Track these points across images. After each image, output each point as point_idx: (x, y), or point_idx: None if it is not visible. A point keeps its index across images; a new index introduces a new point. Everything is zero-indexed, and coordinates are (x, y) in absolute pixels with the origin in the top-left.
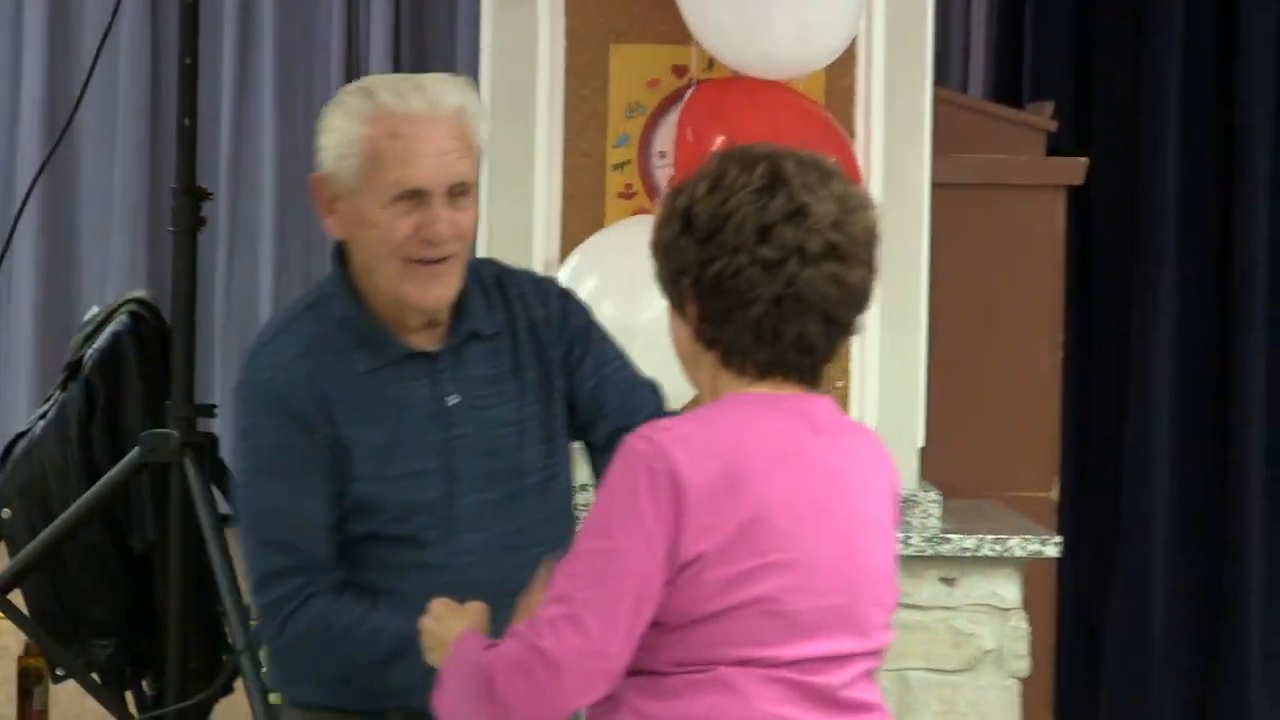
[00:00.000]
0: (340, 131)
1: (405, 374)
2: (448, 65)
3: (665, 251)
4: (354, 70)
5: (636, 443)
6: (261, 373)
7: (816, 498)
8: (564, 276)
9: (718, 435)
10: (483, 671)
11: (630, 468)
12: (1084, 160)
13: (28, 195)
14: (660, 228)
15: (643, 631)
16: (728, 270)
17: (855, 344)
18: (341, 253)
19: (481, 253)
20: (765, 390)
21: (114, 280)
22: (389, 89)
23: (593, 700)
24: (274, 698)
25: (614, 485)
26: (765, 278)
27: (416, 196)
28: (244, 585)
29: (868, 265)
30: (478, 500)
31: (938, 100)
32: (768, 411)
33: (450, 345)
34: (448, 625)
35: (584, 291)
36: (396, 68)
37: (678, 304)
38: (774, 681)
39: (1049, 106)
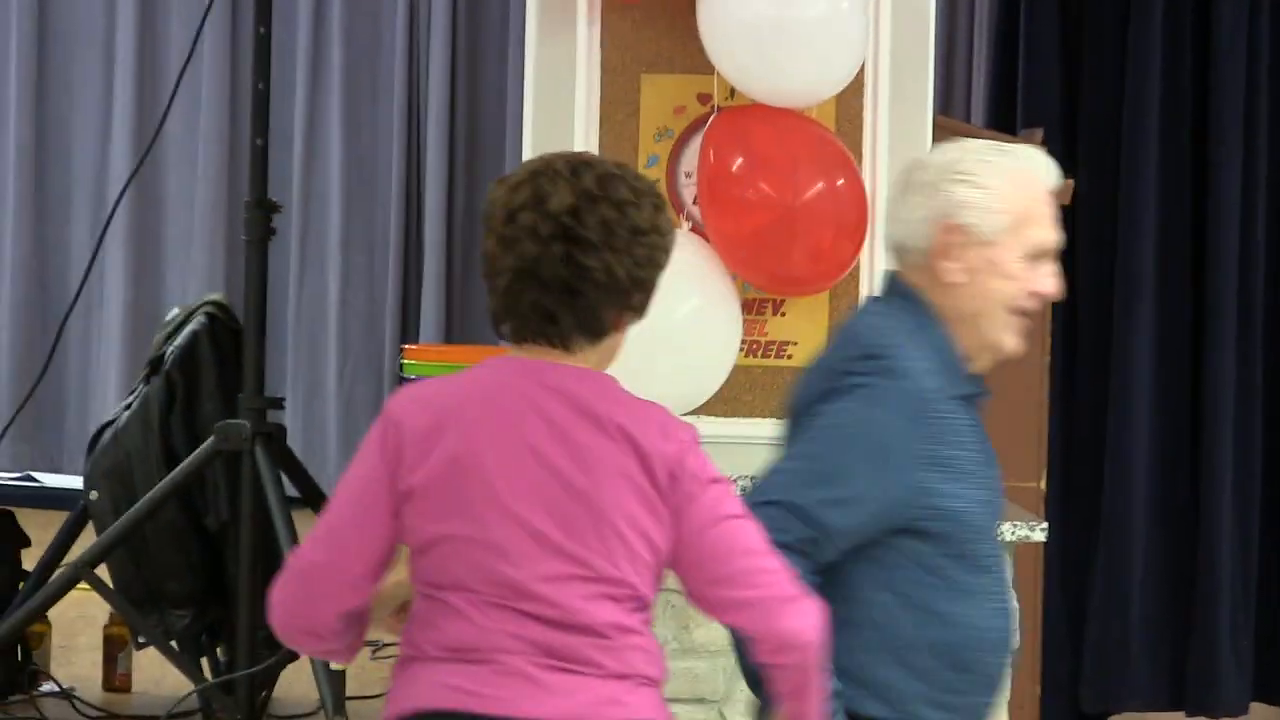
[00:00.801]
0: (994, 191)
1: (970, 408)
2: (499, 92)
3: None
4: (414, 99)
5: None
6: (910, 378)
7: (530, 444)
8: None
9: (444, 390)
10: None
11: (377, 419)
12: (1069, 182)
13: (115, 206)
14: None
15: (382, 551)
16: (484, 248)
17: None
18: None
19: None
20: (520, 354)
21: (194, 285)
22: (1037, 160)
23: (347, 607)
24: (336, 665)
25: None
26: (505, 253)
27: (1045, 256)
28: None
29: (615, 253)
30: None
31: (937, 126)
32: (504, 371)
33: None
34: None
35: None
36: (452, 97)
37: None
38: (491, 605)
39: (1039, 133)
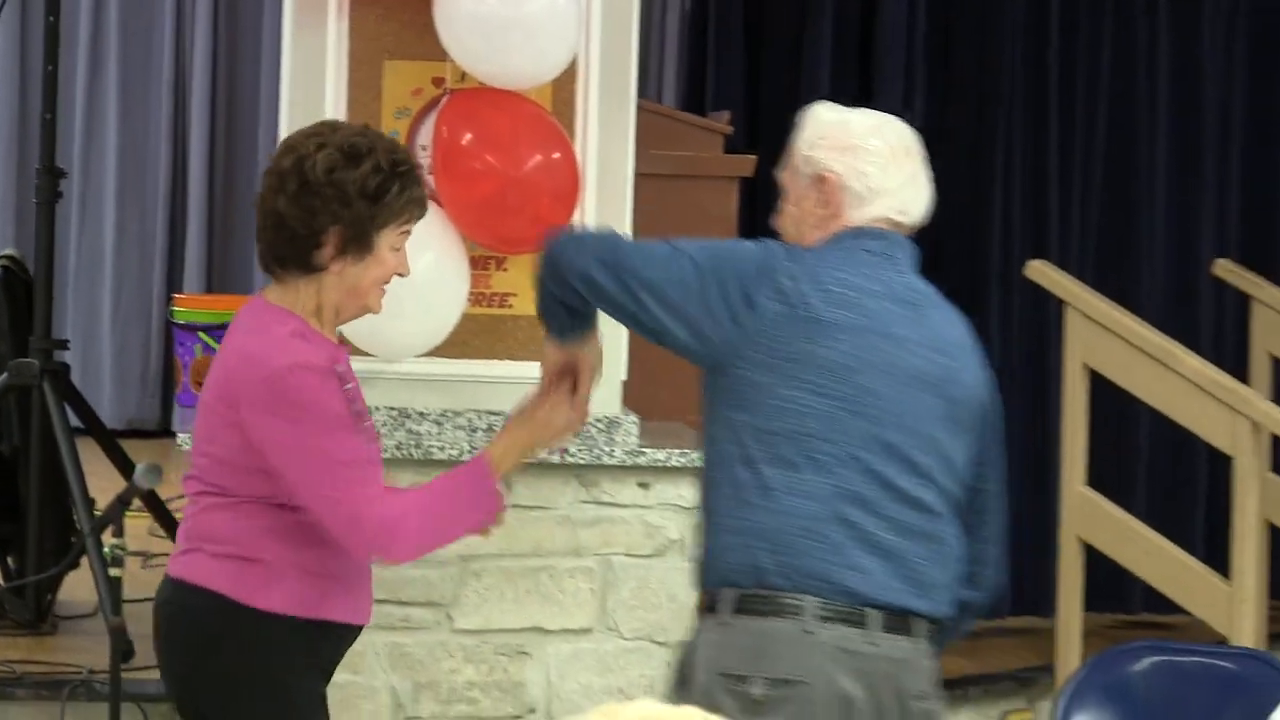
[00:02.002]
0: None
1: None
2: (254, 74)
3: None
4: (180, 80)
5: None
6: None
7: None
8: None
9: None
10: None
11: (315, 374)
12: (753, 157)
13: None
14: None
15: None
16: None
17: None
18: None
19: None
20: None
21: None
22: None
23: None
24: (114, 572)
25: None
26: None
27: None
28: (89, 483)
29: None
30: None
31: (639, 109)
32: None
33: None
34: None
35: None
36: (214, 79)
37: None
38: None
39: (726, 115)
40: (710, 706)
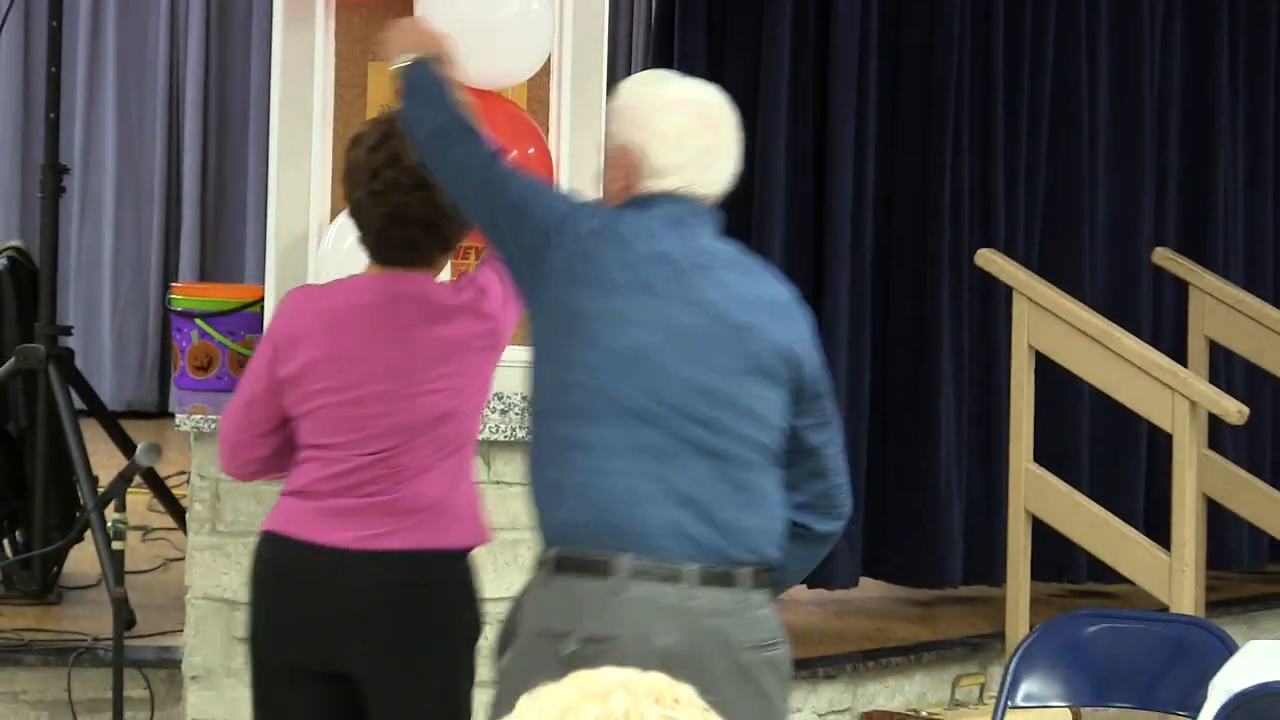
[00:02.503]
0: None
1: None
2: (244, 76)
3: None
4: (174, 82)
5: None
6: None
7: (357, 347)
8: (334, 230)
9: (299, 302)
10: None
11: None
12: None
13: None
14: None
15: (266, 423)
16: (354, 199)
17: None
18: None
19: (270, 216)
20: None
21: None
22: None
23: (249, 471)
24: (116, 545)
25: None
26: (375, 203)
27: None
28: (92, 462)
29: (441, 193)
30: None
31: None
32: (346, 288)
33: None
34: None
35: (347, 241)
36: (206, 81)
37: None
38: (314, 460)
39: None
40: (530, 663)
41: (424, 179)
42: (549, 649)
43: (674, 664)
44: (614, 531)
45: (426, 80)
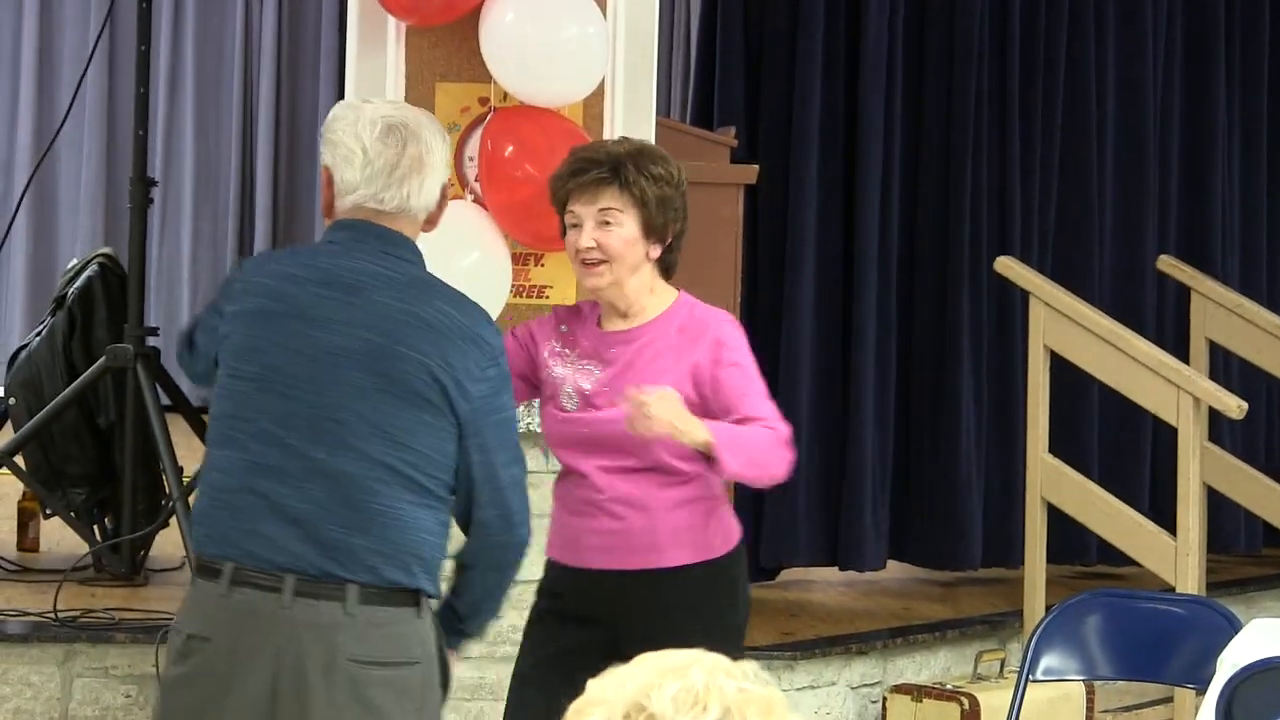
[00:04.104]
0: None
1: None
2: (313, 94)
3: (665, 201)
4: (248, 100)
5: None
6: None
7: None
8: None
9: None
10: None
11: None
12: (755, 167)
13: (29, 183)
14: (662, 186)
15: None
16: (684, 229)
17: None
18: None
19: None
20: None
21: (80, 242)
22: None
23: None
24: None
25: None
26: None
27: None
28: (176, 453)
29: None
30: None
31: (657, 124)
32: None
33: None
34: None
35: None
36: (278, 100)
37: (655, 235)
38: None
39: (732, 130)
40: (165, 656)
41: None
42: (168, 642)
43: (252, 665)
44: (223, 542)
45: None
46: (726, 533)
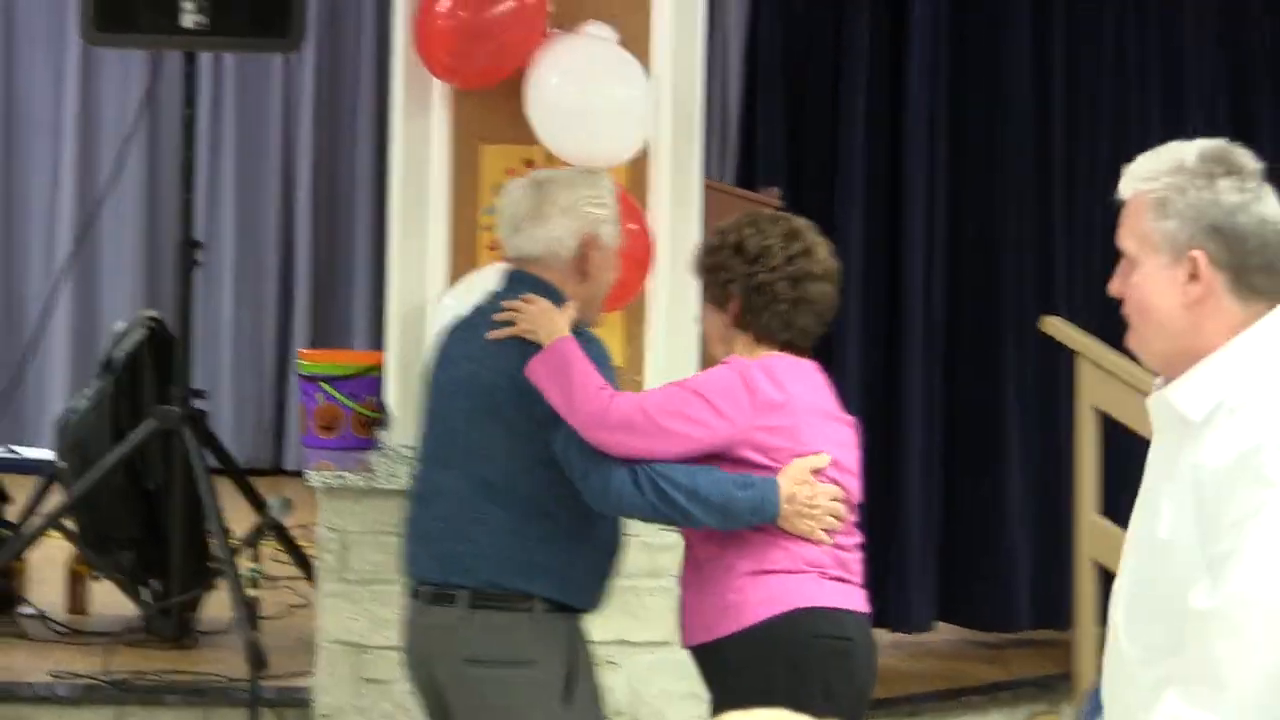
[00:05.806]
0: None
1: None
2: (351, 158)
3: (718, 267)
4: (289, 163)
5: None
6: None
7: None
8: (449, 300)
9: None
10: None
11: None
12: None
13: (75, 248)
14: (711, 254)
15: None
16: (766, 281)
17: (658, 345)
18: None
19: (391, 287)
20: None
21: (122, 305)
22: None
23: None
24: (251, 592)
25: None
26: (790, 288)
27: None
28: (225, 515)
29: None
30: None
31: (705, 186)
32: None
33: None
34: None
35: (463, 308)
36: (317, 163)
37: (718, 301)
38: None
39: (775, 190)
40: None
41: (836, 278)
42: None
43: (408, 661)
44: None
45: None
46: (757, 605)
